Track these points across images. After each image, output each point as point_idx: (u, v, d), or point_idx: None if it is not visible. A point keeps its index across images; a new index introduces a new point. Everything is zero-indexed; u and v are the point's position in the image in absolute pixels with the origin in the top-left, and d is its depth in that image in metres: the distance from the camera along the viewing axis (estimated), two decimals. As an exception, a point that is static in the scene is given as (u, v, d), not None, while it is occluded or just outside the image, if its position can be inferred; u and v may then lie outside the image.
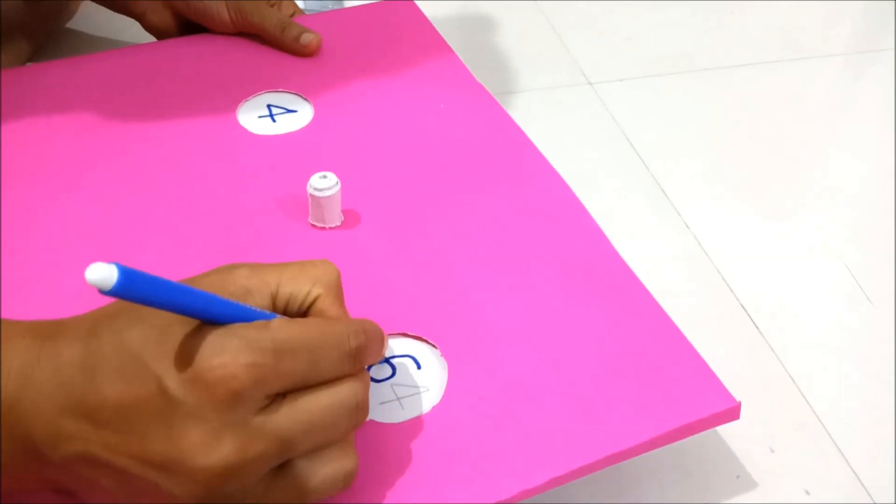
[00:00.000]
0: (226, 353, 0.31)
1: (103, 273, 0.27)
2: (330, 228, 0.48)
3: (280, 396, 0.32)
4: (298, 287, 0.35)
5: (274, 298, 0.35)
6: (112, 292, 0.28)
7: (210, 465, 0.30)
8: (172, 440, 0.30)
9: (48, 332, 0.33)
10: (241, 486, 0.31)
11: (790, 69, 0.74)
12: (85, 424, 0.31)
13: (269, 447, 0.31)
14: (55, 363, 0.31)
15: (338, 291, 0.36)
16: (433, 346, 0.43)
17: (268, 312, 0.34)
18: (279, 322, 0.33)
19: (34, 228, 0.47)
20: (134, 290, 0.29)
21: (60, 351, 0.32)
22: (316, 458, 0.33)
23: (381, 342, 0.37)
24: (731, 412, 0.41)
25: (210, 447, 0.30)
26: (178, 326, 0.31)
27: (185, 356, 0.31)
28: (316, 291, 0.35)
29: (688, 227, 0.59)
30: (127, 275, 0.28)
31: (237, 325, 0.32)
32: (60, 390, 0.31)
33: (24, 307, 0.43)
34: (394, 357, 0.42)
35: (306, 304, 0.35)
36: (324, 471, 0.33)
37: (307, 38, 0.60)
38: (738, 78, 0.73)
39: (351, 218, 0.49)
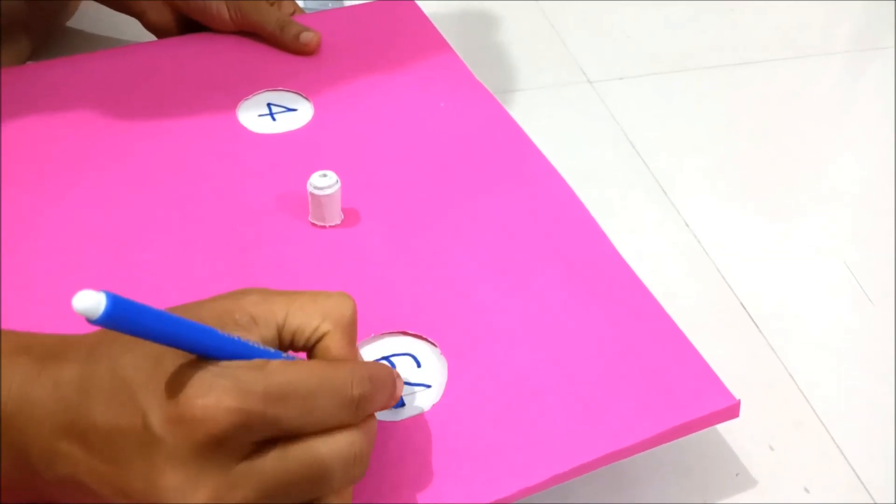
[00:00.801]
0: (211, 394, 0.29)
1: (91, 301, 0.25)
2: (330, 227, 0.48)
3: (271, 443, 0.30)
4: (307, 320, 0.33)
5: (280, 329, 0.33)
6: (100, 321, 0.26)
7: None
8: (151, 480, 0.29)
9: (51, 350, 0.32)
10: None
11: (790, 67, 0.74)
12: (77, 448, 0.30)
13: (249, 497, 0.30)
14: (55, 380, 0.31)
15: (348, 329, 0.34)
16: (433, 344, 0.43)
17: (270, 350, 0.32)
18: (277, 364, 0.31)
19: (33, 227, 0.47)
20: (124, 320, 0.27)
21: (60, 370, 0.31)
22: None
23: (391, 388, 0.35)
24: (731, 410, 0.41)
25: (185, 492, 0.29)
26: (174, 358, 0.30)
27: (172, 392, 0.29)
28: (325, 328, 0.33)
29: (687, 225, 0.59)
30: (116, 304, 0.26)
31: (232, 363, 0.30)
32: (57, 408, 0.31)
33: (24, 308, 0.43)
34: (393, 355, 0.42)
35: (313, 339, 0.33)
36: None
37: (307, 37, 0.60)
38: (738, 76, 0.73)
39: (351, 216, 0.49)
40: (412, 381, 0.41)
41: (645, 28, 0.79)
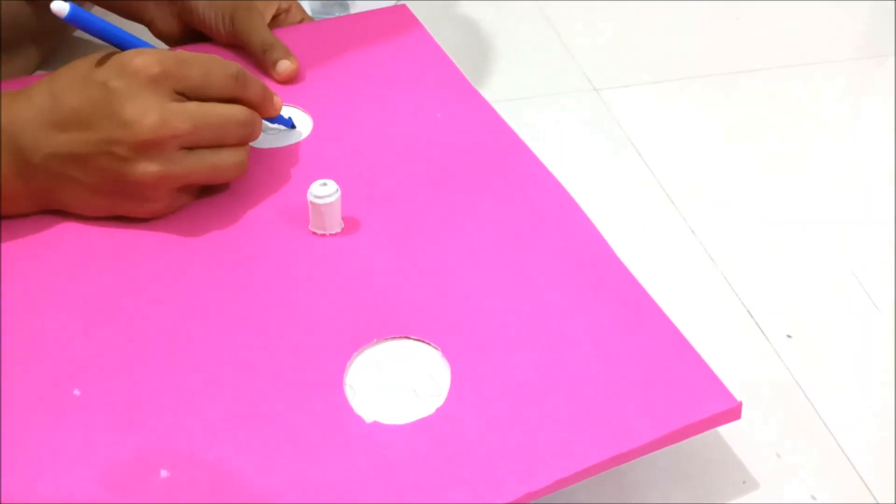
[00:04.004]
0: (144, 54, 0.46)
1: (62, 7, 0.45)
2: (330, 235, 0.48)
3: (187, 99, 0.46)
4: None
5: None
6: (67, 19, 0.46)
7: (142, 132, 0.44)
8: (117, 120, 0.44)
9: (17, 91, 0.47)
10: (165, 153, 0.45)
11: (794, 75, 0.74)
12: (55, 132, 0.45)
13: (182, 126, 0.45)
14: (29, 96, 0.46)
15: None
16: (436, 348, 0.43)
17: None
18: (181, 50, 0.49)
19: (35, 238, 0.48)
20: (79, 20, 0.47)
21: (31, 91, 0.46)
22: (217, 149, 0.48)
23: (263, 85, 0.51)
24: (732, 412, 0.40)
25: (141, 117, 0.44)
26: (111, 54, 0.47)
27: (117, 61, 0.46)
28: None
29: (693, 232, 0.58)
30: (75, 11, 0.46)
31: (154, 48, 0.48)
32: (36, 111, 0.45)
33: (22, 310, 0.43)
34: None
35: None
36: (222, 155, 0.48)
37: (283, 66, 0.59)
38: (743, 83, 0.73)
39: (351, 225, 0.49)
40: (416, 385, 0.41)
41: (650, 36, 0.79)
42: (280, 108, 0.53)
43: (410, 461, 0.38)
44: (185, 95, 0.47)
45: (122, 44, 0.50)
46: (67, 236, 0.48)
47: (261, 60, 0.60)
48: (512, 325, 0.44)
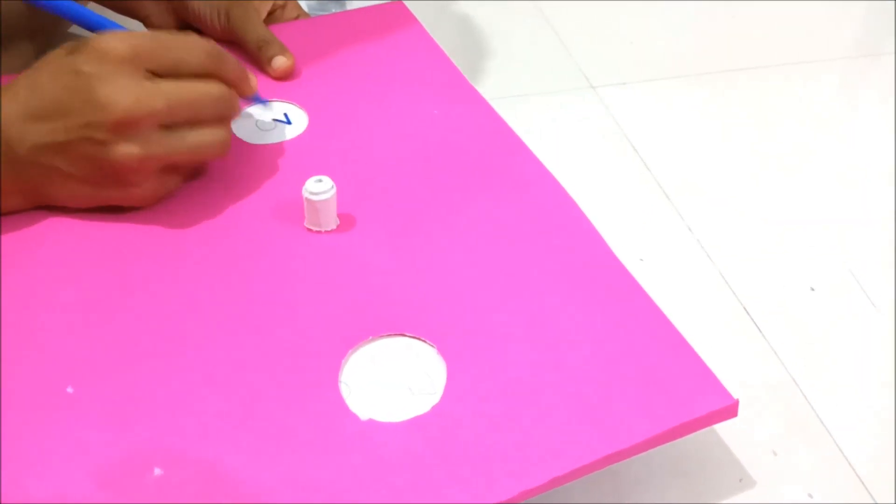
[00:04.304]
0: (116, 36, 0.46)
1: None
2: (325, 232, 0.48)
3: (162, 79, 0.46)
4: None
5: None
6: (42, 5, 0.49)
7: (118, 113, 0.44)
8: (92, 104, 0.44)
9: (2, 87, 0.47)
10: (143, 133, 0.45)
11: (792, 73, 0.74)
12: (37, 123, 0.45)
13: (157, 104, 0.45)
14: (13, 92, 0.46)
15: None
16: (431, 345, 0.42)
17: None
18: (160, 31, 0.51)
19: (34, 239, 0.47)
20: (52, 6, 0.50)
21: (13, 87, 0.46)
22: (197, 127, 0.47)
23: (238, 64, 0.50)
24: (729, 410, 0.40)
25: (116, 98, 0.44)
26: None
27: (89, 47, 0.45)
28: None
29: (690, 230, 0.58)
30: None
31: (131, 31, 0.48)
32: (18, 105, 0.45)
33: (23, 313, 0.43)
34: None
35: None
36: (203, 133, 0.47)
37: (278, 62, 0.59)
38: (741, 82, 0.73)
39: (346, 221, 0.49)
40: (411, 382, 0.41)
41: (648, 34, 0.79)
42: (256, 88, 0.53)
43: (406, 459, 0.38)
44: (160, 74, 0.46)
45: (101, 30, 0.50)
46: (58, 232, 0.47)
47: (256, 56, 0.60)
48: (508, 323, 0.43)
